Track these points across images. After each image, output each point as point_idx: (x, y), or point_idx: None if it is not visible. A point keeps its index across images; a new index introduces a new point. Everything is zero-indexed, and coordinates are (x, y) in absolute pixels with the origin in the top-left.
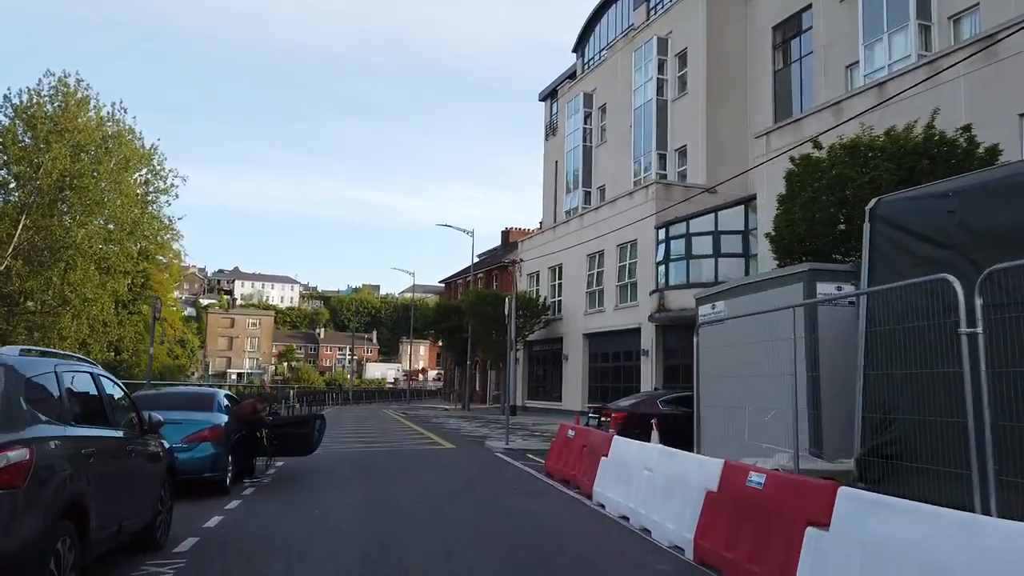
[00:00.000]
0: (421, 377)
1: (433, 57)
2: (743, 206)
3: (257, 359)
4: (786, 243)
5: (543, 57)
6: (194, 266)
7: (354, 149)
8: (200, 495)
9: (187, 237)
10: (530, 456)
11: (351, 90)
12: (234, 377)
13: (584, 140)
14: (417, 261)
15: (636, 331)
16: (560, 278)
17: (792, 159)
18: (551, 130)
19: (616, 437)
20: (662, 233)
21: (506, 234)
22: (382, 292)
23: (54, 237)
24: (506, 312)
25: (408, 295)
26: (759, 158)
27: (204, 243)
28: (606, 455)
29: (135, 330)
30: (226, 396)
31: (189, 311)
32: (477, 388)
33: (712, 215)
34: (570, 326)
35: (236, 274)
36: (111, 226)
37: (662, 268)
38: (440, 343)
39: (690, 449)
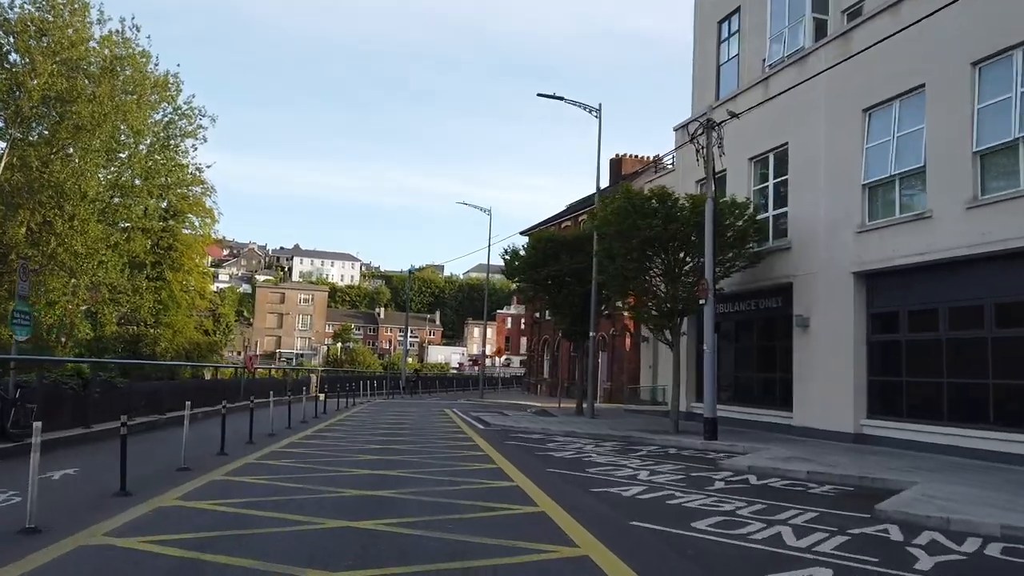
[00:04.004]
0: (488, 362)
1: (505, 48)
2: None
3: (309, 338)
4: None
5: (611, 47)
6: (253, 243)
7: (421, 138)
8: None
9: (249, 219)
10: None
11: (420, 79)
12: (284, 360)
13: None
14: (484, 244)
15: None
16: (783, 171)
17: None
18: None
19: None
20: None
21: (617, 163)
22: (446, 274)
23: (31, 173)
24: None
25: (475, 275)
26: None
27: (267, 225)
28: None
29: (154, 298)
30: None
31: (244, 288)
32: (576, 377)
33: None
34: (810, 261)
35: (296, 251)
36: (126, 172)
37: None
38: (531, 302)
39: None
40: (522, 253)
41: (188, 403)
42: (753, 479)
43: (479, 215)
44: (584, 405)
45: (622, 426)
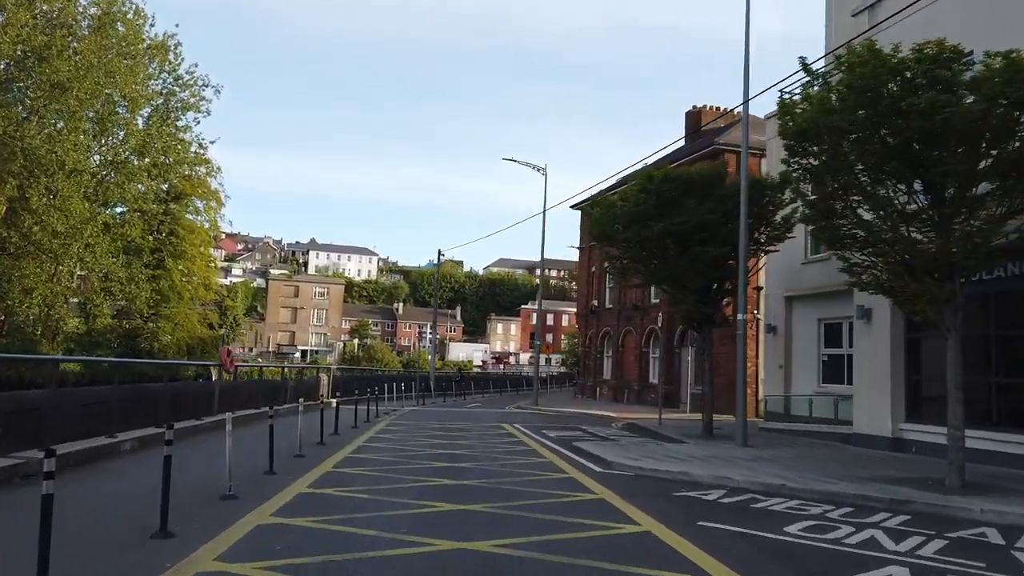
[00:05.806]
0: (513, 360)
1: (517, 44)
2: None
3: (325, 334)
4: None
5: (627, 42)
6: (268, 237)
7: (434, 136)
8: None
9: (264, 214)
10: None
11: (430, 76)
12: (297, 355)
13: None
14: (505, 238)
15: None
16: None
17: None
18: None
19: None
20: None
21: (695, 116)
22: (465, 269)
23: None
24: None
25: (496, 270)
26: None
27: (282, 221)
28: None
29: (152, 288)
30: None
31: (259, 282)
32: (652, 378)
33: None
34: None
35: (312, 245)
36: (120, 147)
37: None
38: (626, 275)
39: None
40: (614, 208)
41: None
42: None
43: (492, 211)
44: (729, 421)
45: (827, 468)
